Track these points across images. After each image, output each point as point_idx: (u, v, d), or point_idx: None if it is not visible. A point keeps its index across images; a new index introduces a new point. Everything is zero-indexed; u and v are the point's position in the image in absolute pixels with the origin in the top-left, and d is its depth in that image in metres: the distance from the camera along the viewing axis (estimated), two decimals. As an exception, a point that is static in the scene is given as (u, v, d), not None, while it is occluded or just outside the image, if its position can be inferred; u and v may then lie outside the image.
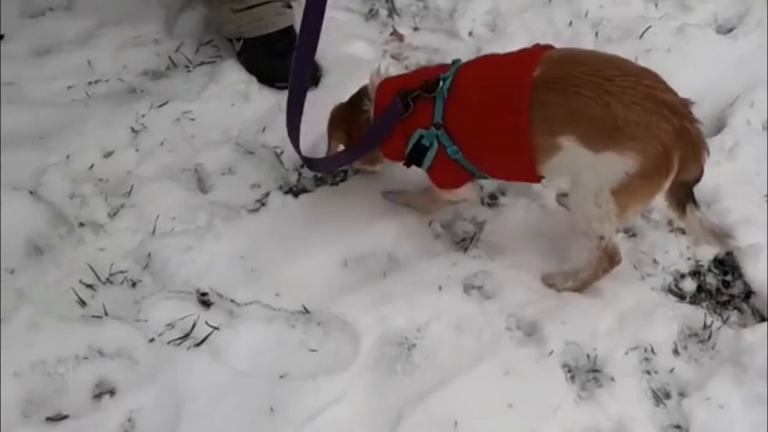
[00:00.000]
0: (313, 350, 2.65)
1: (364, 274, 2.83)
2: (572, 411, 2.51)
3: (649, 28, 3.48)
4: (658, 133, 2.37)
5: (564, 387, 2.56)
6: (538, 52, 2.54)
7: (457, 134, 2.61)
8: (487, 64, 2.68)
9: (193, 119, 3.26)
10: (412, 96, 2.62)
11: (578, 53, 2.62)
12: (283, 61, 3.30)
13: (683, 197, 2.56)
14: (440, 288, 2.76)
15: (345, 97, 3.00)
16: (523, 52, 2.60)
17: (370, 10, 3.71)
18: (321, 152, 3.04)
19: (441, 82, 2.60)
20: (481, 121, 2.56)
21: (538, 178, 2.64)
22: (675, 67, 3.36)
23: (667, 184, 2.47)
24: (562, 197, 2.94)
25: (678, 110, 2.40)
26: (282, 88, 3.34)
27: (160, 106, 3.28)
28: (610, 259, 2.68)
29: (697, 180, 2.54)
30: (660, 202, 2.61)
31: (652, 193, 2.50)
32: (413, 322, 2.68)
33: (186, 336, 2.65)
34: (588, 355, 2.61)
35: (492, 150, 2.61)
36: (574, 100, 2.40)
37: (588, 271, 2.72)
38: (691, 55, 3.43)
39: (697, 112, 3.19)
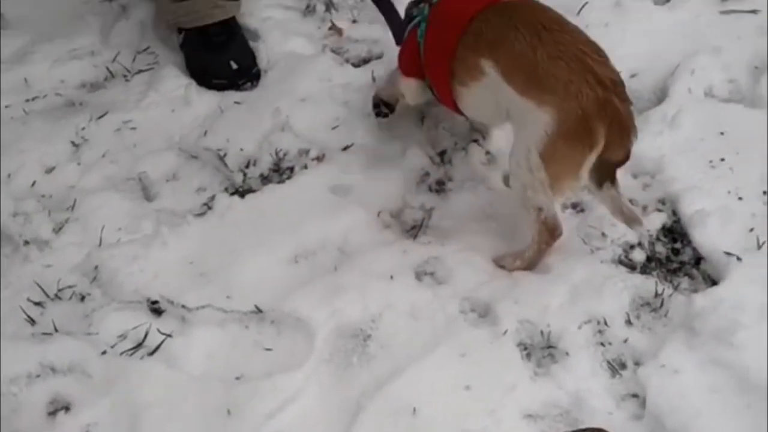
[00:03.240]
0: (268, 349, 2.63)
1: (315, 268, 2.81)
2: (529, 388, 2.50)
3: (586, 4, 3.46)
4: (577, 95, 2.39)
5: (520, 365, 2.55)
6: None
7: (431, 18, 2.75)
8: None
9: (134, 128, 3.24)
10: None
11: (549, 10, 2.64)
12: (221, 55, 3.31)
13: (604, 175, 2.55)
14: (392, 277, 2.74)
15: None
16: None
17: (308, 6, 3.67)
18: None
19: None
20: (441, 19, 2.71)
21: (454, 105, 2.74)
22: (614, 42, 3.31)
23: (592, 157, 2.47)
24: (508, 178, 2.94)
25: (603, 82, 2.40)
26: (219, 87, 3.33)
27: (100, 117, 3.25)
28: (550, 232, 2.68)
29: (622, 163, 2.55)
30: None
31: (577, 162, 2.48)
32: (367, 313, 2.66)
33: (139, 345, 2.62)
34: (542, 332, 2.60)
35: (433, 47, 2.73)
36: (507, 30, 2.49)
37: (532, 248, 2.72)
38: (630, 28, 3.42)
39: (638, 83, 3.27)
